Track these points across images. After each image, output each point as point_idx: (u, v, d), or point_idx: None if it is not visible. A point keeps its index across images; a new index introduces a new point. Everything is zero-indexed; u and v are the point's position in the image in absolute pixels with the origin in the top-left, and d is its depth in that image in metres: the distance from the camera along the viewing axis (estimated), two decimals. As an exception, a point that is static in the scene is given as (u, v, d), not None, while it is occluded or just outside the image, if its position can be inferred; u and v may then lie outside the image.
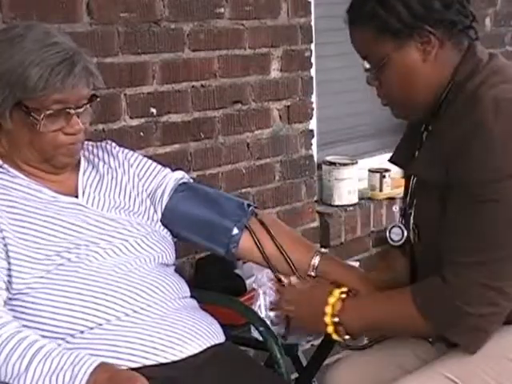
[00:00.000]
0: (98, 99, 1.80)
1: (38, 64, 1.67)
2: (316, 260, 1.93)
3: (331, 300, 1.77)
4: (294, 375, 2.36)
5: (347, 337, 1.79)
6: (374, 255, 3.40)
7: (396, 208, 1.87)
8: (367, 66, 1.74)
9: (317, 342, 2.83)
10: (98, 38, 2.36)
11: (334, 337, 1.78)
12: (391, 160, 1.96)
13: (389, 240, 1.87)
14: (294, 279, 1.91)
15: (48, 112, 1.68)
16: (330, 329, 1.77)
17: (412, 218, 1.80)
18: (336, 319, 1.76)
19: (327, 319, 1.77)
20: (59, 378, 1.50)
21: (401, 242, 1.84)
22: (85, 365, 1.51)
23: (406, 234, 1.83)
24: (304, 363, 2.75)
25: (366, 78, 1.76)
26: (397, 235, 1.85)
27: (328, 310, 1.77)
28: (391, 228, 1.87)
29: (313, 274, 1.92)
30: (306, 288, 1.87)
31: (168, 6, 2.53)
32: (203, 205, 1.97)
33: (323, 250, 2.04)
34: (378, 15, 1.65)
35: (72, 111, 1.72)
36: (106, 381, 1.49)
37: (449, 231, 1.64)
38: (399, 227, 1.85)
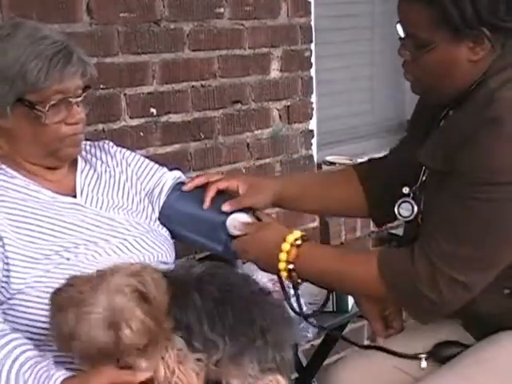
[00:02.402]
0: (91, 88, 1.81)
1: (36, 57, 1.67)
2: None
3: (285, 246, 1.73)
4: (294, 375, 2.36)
5: (300, 281, 1.76)
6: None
7: (406, 189, 1.82)
8: (402, 34, 1.68)
9: (317, 342, 2.84)
10: (98, 38, 2.36)
11: (288, 281, 1.76)
12: (417, 155, 1.94)
13: (397, 215, 1.84)
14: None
15: (52, 102, 1.69)
16: (284, 274, 1.74)
17: (422, 202, 1.78)
18: (291, 266, 1.73)
19: (281, 265, 1.73)
20: None
21: (411, 218, 1.80)
22: (52, 379, 1.50)
23: (416, 209, 1.78)
24: (304, 363, 2.76)
25: (399, 48, 1.70)
26: (406, 211, 1.81)
27: (282, 256, 1.73)
28: (401, 203, 1.84)
29: None
30: (258, 234, 1.80)
31: (168, 6, 2.53)
32: (200, 202, 1.96)
33: None
34: (443, 4, 1.58)
35: (73, 100, 1.73)
36: None
37: (435, 215, 1.65)
38: (409, 202, 1.81)
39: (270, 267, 1.77)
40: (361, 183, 1.96)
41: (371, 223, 3.26)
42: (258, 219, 1.87)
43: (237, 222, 1.85)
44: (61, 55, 1.69)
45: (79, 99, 1.75)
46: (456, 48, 1.62)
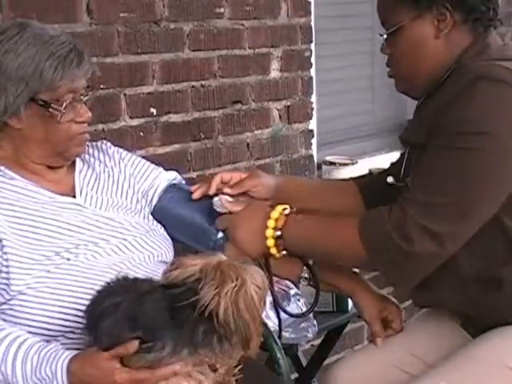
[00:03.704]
0: (90, 87, 1.82)
1: (49, 57, 1.69)
2: (310, 261, 1.91)
3: (274, 214, 1.75)
4: (294, 375, 2.36)
5: (284, 252, 1.76)
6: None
7: (390, 179, 1.87)
8: (383, 33, 1.79)
9: (317, 342, 2.84)
10: (98, 38, 2.36)
11: (272, 251, 1.75)
12: (400, 136, 1.97)
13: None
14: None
15: (68, 101, 1.71)
16: (271, 242, 1.74)
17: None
18: (278, 233, 1.74)
19: (269, 232, 1.74)
20: (43, 376, 1.53)
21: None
22: (60, 361, 1.54)
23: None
24: (304, 363, 2.76)
25: (381, 46, 1.82)
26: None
27: (271, 223, 1.74)
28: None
29: (306, 275, 1.88)
30: (244, 208, 1.83)
31: (168, 6, 2.53)
32: (192, 207, 1.97)
33: None
34: None
35: (84, 99, 1.76)
36: (82, 366, 1.52)
37: (415, 172, 1.69)
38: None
39: (257, 240, 1.76)
40: (360, 193, 1.99)
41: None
42: None
43: (224, 199, 1.86)
44: (73, 55, 1.71)
45: (86, 98, 1.77)
46: (421, 25, 1.73)
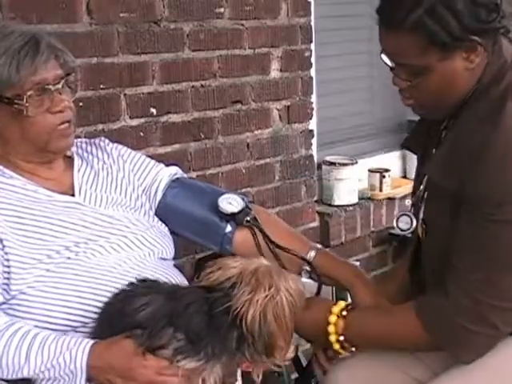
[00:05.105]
0: (74, 74, 1.81)
1: (4, 53, 1.68)
2: (311, 255, 1.92)
3: (332, 318, 1.74)
4: (294, 375, 2.36)
5: (353, 349, 1.77)
6: (374, 255, 3.40)
7: (409, 201, 1.82)
8: (391, 64, 1.64)
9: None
10: (98, 38, 2.36)
11: (341, 351, 1.76)
12: (404, 145, 1.93)
13: (396, 229, 1.84)
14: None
15: (29, 93, 1.68)
16: (337, 346, 1.75)
17: (422, 212, 1.77)
18: (341, 338, 1.74)
19: (332, 338, 1.74)
20: (60, 362, 1.54)
21: (409, 231, 1.81)
22: (81, 345, 1.56)
23: (415, 223, 1.79)
24: (304, 363, 2.75)
25: (392, 79, 1.66)
26: (405, 224, 1.82)
27: (331, 329, 1.74)
28: (400, 216, 1.84)
29: (307, 268, 1.91)
30: (304, 313, 1.75)
31: (168, 6, 2.53)
32: (197, 201, 1.96)
33: (318, 245, 2.03)
34: (426, 26, 1.53)
35: (51, 87, 1.72)
36: (103, 351, 1.55)
37: (457, 246, 1.61)
38: (408, 216, 1.81)
39: (322, 342, 1.78)
40: None
41: (371, 223, 3.29)
42: (251, 202, 1.88)
43: (231, 199, 1.87)
44: (28, 46, 1.69)
45: (59, 86, 1.73)
46: (451, 63, 1.59)
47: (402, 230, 1.84)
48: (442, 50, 1.56)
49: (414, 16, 1.54)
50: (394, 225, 1.85)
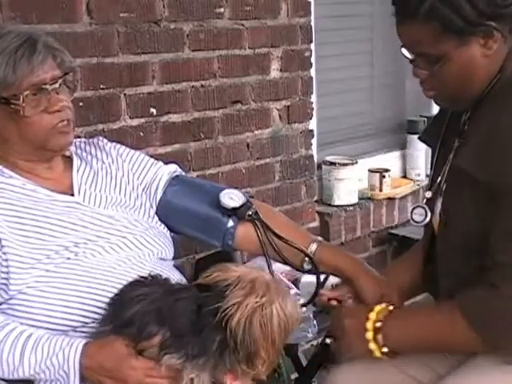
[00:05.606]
0: (72, 73, 1.80)
1: (0, 54, 1.67)
2: (313, 247, 1.91)
3: (369, 335, 1.70)
4: (294, 375, 2.36)
5: (385, 349, 1.70)
6: (373, 255, 3.41)
7: (429, 194, 1.80)
8: (410, 56, 1.65)
9: (317, 342, 2.84)
10: (98, 38, 2.36)
11: (372, 347, 1.70)
12: (422, 138, 1.91)
13: (411, 221, 1.83)
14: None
15: (26, 93, 1.68)
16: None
17: (440, 203, 1.75)
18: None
19: (377, 354, 1.70)
20: (54, 363, 1.56)
21: (424, 223, 1.79)
22: (73, 345, 1.57)
23: (429, 215, 1.77)
24: (304, 363, 2.76)
25: (412, 71, 1.67)
26: (420, 216, 1.80)
27: (373, 346, 1.70)
28: (414, 208, 1.82)
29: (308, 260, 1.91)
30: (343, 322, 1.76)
31: (168, 6, 2.53)
32: (197, 198, 1.96)
33: (320, 238, 2.03)
34: (439, 13, 1.55)
35: (48, 87, 1.71)
36: (95, 352, 1.56)
37: (494, 234, 1.58)
38: (423, 208, 1.79)
39: (368, 357, 1.73)
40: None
41: (371, 223, 3.29)
42: (251, 197, 1.88)
43: (232, 194, 1.88)
44: (25, 46, 1.69)
45: (55, 86, 1.73)
46: (468, 49, 1.59)
47: (416, 222, 1.82)
48: (457, 36, 1.57)
49: (427, 4, 1.55)
50: (409, 217, 1.84)
